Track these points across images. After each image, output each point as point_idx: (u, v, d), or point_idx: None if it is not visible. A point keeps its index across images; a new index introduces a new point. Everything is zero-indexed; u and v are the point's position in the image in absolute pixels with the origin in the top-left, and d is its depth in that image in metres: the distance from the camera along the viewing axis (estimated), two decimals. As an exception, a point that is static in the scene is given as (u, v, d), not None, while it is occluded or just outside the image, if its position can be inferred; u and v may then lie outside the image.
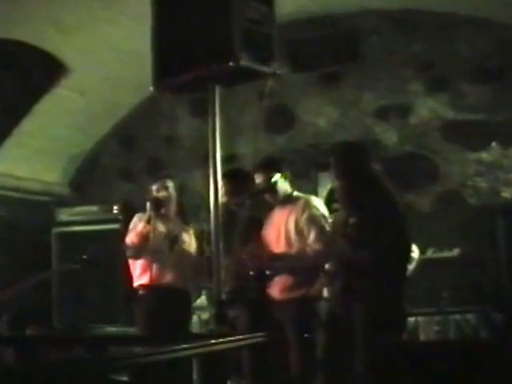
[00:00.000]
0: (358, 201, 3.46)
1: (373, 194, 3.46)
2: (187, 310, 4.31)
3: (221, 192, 2.74)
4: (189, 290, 4.27)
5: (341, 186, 3.57)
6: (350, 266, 3.42)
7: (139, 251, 4.12)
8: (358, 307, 3.38)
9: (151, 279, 4.13)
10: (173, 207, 4.25)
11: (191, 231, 4.32)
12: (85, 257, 4.36)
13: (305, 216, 3.83)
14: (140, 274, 4.20)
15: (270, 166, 4.00)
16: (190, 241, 4.28)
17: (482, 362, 3.17)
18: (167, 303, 4.08)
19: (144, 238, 4.07)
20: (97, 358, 1.84)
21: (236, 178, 4.06)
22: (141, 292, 4.21)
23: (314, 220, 3.82)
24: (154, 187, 4.25)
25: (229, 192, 3.92)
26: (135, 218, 4.26)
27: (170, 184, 4.28)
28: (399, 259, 3.47)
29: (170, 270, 4.16)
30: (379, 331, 3.29)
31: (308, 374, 3.76)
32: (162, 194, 4.21)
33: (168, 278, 4.15)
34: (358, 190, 3.48)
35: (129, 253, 4.18)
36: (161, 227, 4.16)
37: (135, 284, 4.24)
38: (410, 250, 3.63)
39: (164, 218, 4.20)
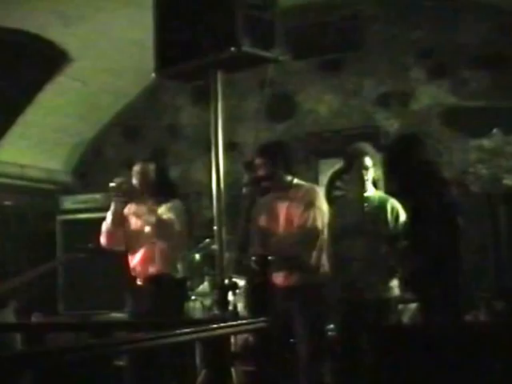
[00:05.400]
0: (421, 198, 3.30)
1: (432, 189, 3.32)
2: (179, 297, 4.24)
3: None
4: (177, 275, 4.14)
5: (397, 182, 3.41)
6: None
7: (113, 237, 4.09)
8: None
9: (139, 270, 4.11)
10: (148, 189, 4.15)
11: (169, 205, 4.15)
12: (90, 245, 4.39)
13: (305, 202, 3.84)
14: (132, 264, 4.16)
15: (270, 150, 3.95)
16: (169, 215, 4.12)
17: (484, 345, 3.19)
18: (159, 294, 4.02)
19: (118, 220, 4.07)
20: (100, 343, 1.86)
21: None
22: (138, 283, 4.16)
23: (313, 205, 3.83)
24: (134, 170, 4.21)
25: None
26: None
27: (151, 166, 4.19)
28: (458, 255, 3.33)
29: (157, 256, 4.09)
30: None
31: (317, 363, 3.78)
32: (135, 179, 4.17)
33: (156, 266, 4.08)
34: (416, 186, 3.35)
35: (103, 240, 4.12)
36: (140, 212, 4.13)
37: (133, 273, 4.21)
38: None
39: (141, 202, 4.16)
